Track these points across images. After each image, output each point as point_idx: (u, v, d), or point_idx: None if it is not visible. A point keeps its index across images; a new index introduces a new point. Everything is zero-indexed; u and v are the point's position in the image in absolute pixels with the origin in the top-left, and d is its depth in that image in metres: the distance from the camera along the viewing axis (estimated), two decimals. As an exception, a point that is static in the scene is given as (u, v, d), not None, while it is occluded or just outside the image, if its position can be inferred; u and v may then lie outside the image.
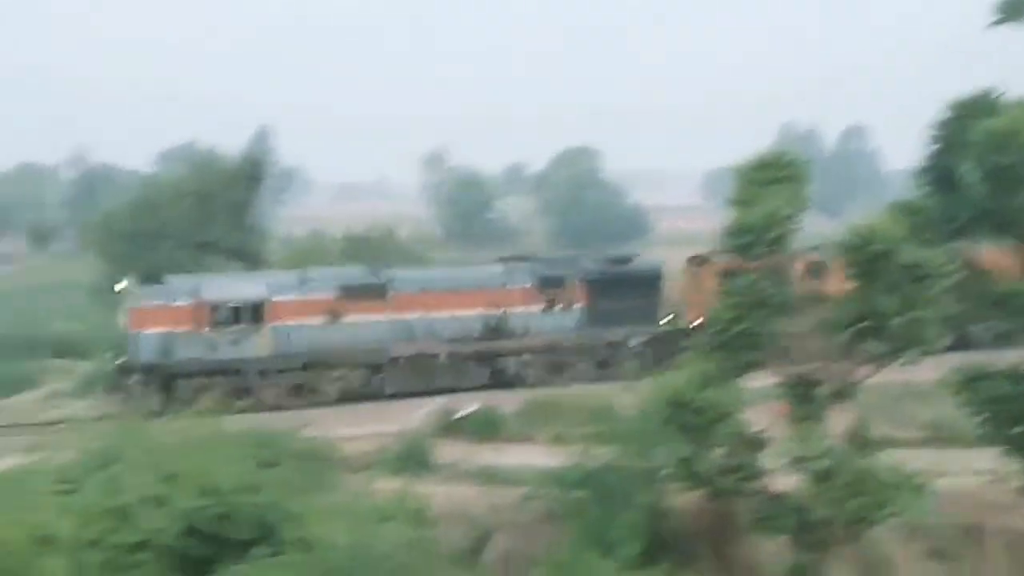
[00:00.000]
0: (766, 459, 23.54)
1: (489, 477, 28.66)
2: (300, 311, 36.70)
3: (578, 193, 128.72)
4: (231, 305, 35.61)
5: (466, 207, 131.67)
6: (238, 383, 35.58)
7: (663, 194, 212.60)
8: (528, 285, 40.35)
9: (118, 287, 37.55)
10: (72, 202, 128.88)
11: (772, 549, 24.34)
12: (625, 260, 43.81)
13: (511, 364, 39.40)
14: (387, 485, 26.10)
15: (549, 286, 40.63)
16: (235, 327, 35.62)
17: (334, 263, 46.39)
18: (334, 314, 37.18)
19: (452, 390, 36.91)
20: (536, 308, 40.27)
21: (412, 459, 29.48)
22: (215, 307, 35.42)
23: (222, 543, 20.30)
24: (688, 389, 22.75)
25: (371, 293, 37.95)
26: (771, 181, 22.74)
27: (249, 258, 49.48)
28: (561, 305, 40.59)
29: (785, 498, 23.09)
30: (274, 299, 36.30)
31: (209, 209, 52.22)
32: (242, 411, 32.91)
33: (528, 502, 26.03)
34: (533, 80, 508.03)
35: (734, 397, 23.24)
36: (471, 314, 39.22)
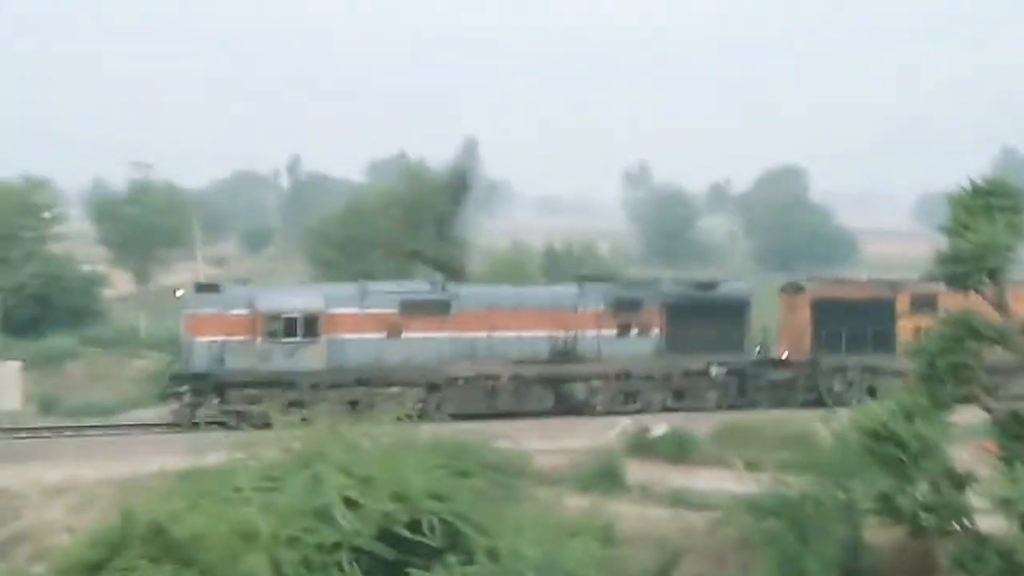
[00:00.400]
0: (971, 498, 22.56)
1: (680, 500, 28.36)
2: (358, 325, 36.13)
3: (783, 214, 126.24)
4: (286, 316, 35.30)
5: (668, 225, 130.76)
6: (291, 396, 34.92)
7: (872, 217, 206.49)
8: (602, 308, 38.97)
9: (177, 293, 37.99)
10: (285, 209, 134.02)
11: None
12: (710, 285, 42.10)
13: (579, 390, 38.13)
14: (576, 502, 26.14)
15: (624, 309, 39.23)
16: (289, 339, 35.27)
17: (534, 278, 46.79)
18: (393, 330, 36.55)
19: (514, 414, 35.97)
20: (609, 332, 38.90)
21: (603, 477, 29.42)
22: (270, 317, 35.16)
23: (413, 549, 20.64)
24: (891, 420, 21.96)
25: (433, 309, 37.21)
26: (989, 208, 21.77)
27: (452, 269, 50.35)
28: (637, 330, 39.16)
29: (990, 540, 22.02)
30: (331, 311, 35.85)
31: (416, 219, 53.42)
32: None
33: (720, 527, 25.62)
34: (738, 97, 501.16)
35: (940, 431, 22.31)
36: (538, 335, 38.03)
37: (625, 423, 35.10)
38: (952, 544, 22.57)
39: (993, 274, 21.13)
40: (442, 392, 36.70)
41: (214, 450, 23.54)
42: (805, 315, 40.96)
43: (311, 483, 21.65)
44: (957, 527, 22.38)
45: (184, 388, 35.10)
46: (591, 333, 38.51)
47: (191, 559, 16.67)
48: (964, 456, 24.16)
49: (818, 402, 38.92)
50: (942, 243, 22.11)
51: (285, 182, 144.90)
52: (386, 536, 20.68)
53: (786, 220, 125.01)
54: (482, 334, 37.39)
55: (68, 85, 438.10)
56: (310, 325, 35.41)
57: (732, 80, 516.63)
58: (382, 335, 36.42)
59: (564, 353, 38.16)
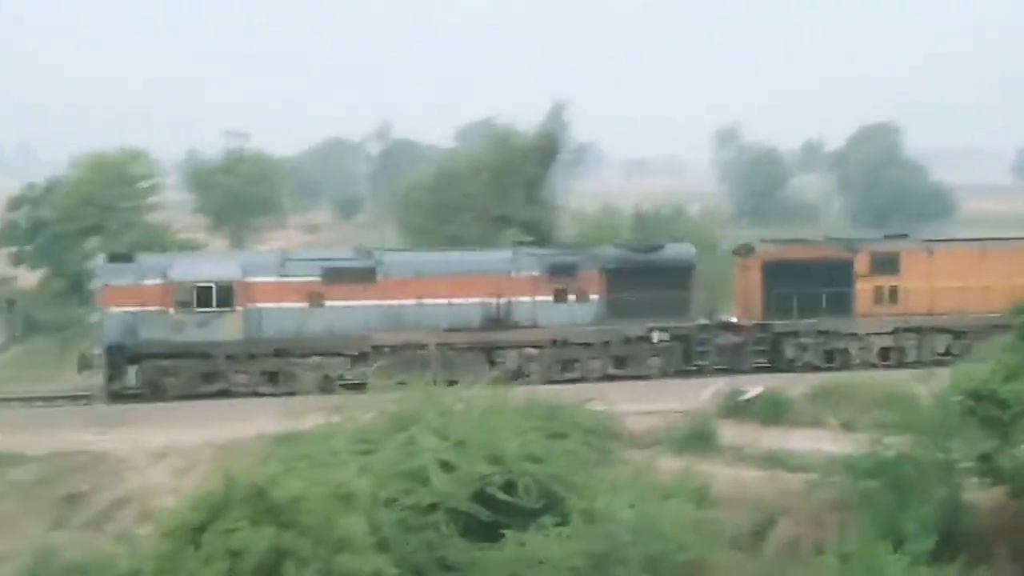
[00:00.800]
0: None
1: (775, 461, 28.18)
2: (277, 294, 34.97)
3: (878, 171, 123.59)
4: (199, 285, 34.23)
5: (759, 184, 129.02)
6: (206, 367, 34.37)
7: (970, 173, 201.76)
8: (537, 273, 37.32)
9: (92, 264, 36.63)
10: (375, 176, 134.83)
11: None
12: (652, 248, 39.77)
13: (513, 358, 36.36)
14: (671, 464, 26.12)
15: (561, 274, 37.52)
16: (203, 309, 34.25)
17: (623, 239, 46.51)
18: (315, 298, 35.39)
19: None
20: (546, 298, 37.22)
21: (697, 439, 29.35)
22: (182, 287, 34.18)
23: (508, 510, 20.85)
24: (992, 380, 21.61)
25: (357, 277, 36.03)
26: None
27: (542, 232, 50.32)
28: (574, 296, 37.41)
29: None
30: (247, 280, 34.84)
31: (505, 183, 53.36)
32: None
33: (816, 488, 25.41)
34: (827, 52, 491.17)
35: (1043, 391, 21.89)
36: (470, 302, 36.51)
37: (718, 384, 34.87)
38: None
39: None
40: (368, 361, 35.37)
41: (311, 414, 23.96)
42: (756, 277, 39.34)
43: (406, 446, 21.99)
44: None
45: (98, 360, 34.32)
46: (526, 299, 37.02)
47: (290, 521, 16.98)
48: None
49: (772, 367, 37.93)
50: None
51: (375, 149, 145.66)
52: (481, 498, 20.95)
53: (880, 177, 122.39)
54: (410, 301, 36.11)
55: (155, 59, 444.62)
56: (224, 294, 34.44)
57: (825, 36, 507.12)
58: (303, 304, 35.29)
59: (497, 320, 36.73)
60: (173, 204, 75.70)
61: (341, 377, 35.01)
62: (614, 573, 19.89)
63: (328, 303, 35.54)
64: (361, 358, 35.55)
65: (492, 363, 35.56)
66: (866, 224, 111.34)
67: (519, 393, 25.30)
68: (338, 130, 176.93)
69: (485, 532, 20.67)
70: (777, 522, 25.65)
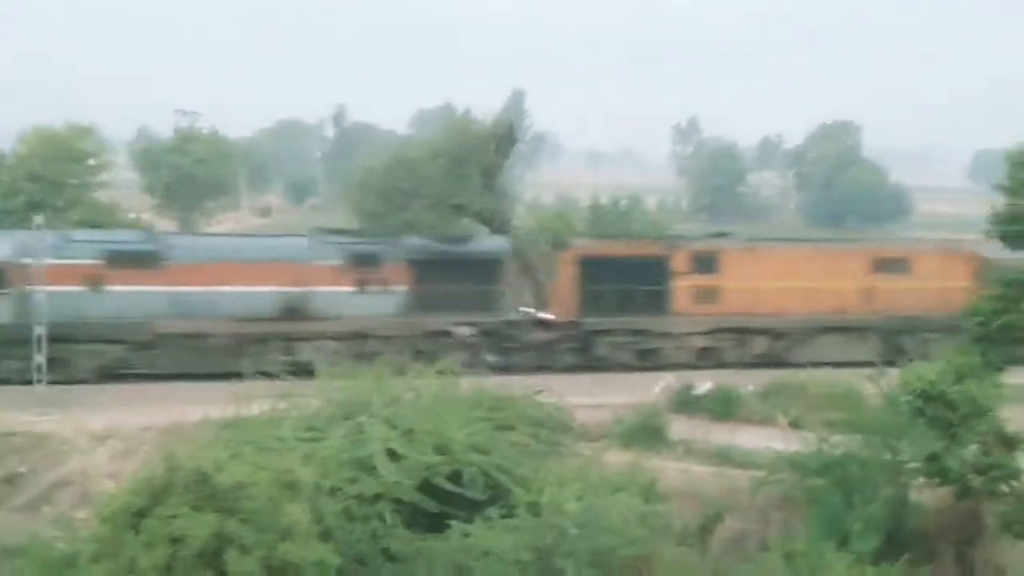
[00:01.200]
0: (1021, 460, 22.25)
1: (723, 457, 28.22)
2: (53, 276, 32.38)
3: (836, 170, 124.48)
4: None
5: (717, 180, 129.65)
6: None
7: (928, 175, 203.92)
8: (338, 262, 36.22)
9: None
10: (330, 158, 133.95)
11: (1020, 554, 23.00)
12: (461, 240, 38.97)
13: (307, 350, 35.05)
14: (619, 457, 26.05)
15: (363, 264, 36.44)
16: None
17: (580, 231, 46.37)
18: (95, 282, 33.72)
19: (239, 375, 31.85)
20: (346, 289, 36.07)
21: (646, 433, 29.31)
22: None
23: (454, 501, 20.66)
24: (942, 381, 21.69)
25: (142, 261, 34.42)
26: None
27: (498, 222, 50.10)
28: (377, 287, 36.37)
29: (1040, 503, 21.75)
30: (20, 261, 32.85)
31: (462, 171, 53.01)
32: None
33: (763, 485, 25.43)
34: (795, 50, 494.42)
35: (991, 393, 21.99)
36: (265, 291, 35.11)
37: (669, 379, 34.84)
38: (1000, 505, 22.33)
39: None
40: (152, 350, 34.28)
41: (257, 399, 23.63)
42: (571, 273, 38.41)
43: (354, 434, 21.73)
44: (1006, 489, 22.13)
45: None
46: (325, 289, 35.81)
47: (234, 507, 16.69)
48: (1015, 417, 23.74)
49: (587, 365, 37.42)
50: (998, 202, 21.66)
51: (330, 132, 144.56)
52: (428, 488, 20.73)
53: (838, 176, 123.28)
54: (199, 288, 34.62)
55: (107, 31, 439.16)
56: None
57: (785, 33, 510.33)
58: (82, 287, 33.57)
59: (294, 310, 35.51)
60: (123, 183, 74.62)
61: (125, 365, 33.84)
62: (560, 566, 19.74)
63: (109, 288, 33.91)
64: (144, 346, 34.25)
65: (289, 355, 33.98)
66: (823, 223, 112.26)
67: (469, 383, 25.09)
68: (294, 112, 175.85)
69: (431, 523, 20.47)
70: (724, 518, 25.67)
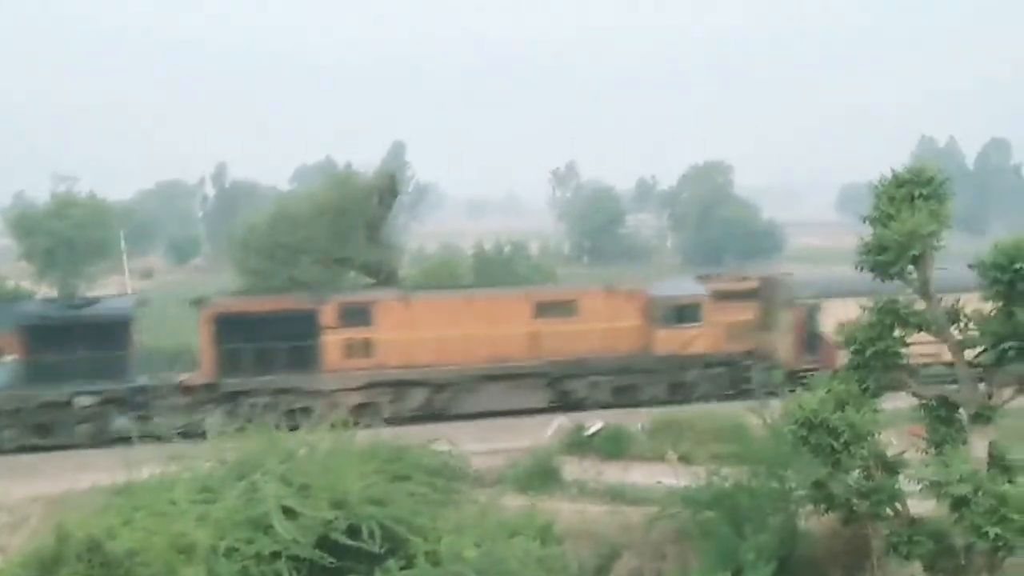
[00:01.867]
0: (903, 483, 22.93)
1: (617, 495, 28.56)
2: None
3: (709, 208, 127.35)
4: None
5: (595, 222, 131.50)
6: None
7: (798, 210, 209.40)
8: None
9: None
10: (212, 217, 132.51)
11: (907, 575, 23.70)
12: (81, 304, 37.56)
13: None
14: (515, 501, 26.21)
15: None
16: None
17: (465, 280, 46.58)
18: None
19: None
20: None
21: (540, 475, 29.54)
22: None
23: (353, 555, 20.55)
24: (823, 409, 22.25)
25: None
26: (911, 197, 22.13)
27: (384, 273, 50.10)
28: None
29: (922, 523, 22.42)
30: None
31: (346, 224, 52.95)
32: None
33: (656, 521, 25.81)
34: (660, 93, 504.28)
35: (870, 418, 22.66)
36: None
37: (561, 420, 35.18)
38: (885, 528, 22.92)
39: (917, 261, 21.42)
40: None
41: (148, 464, 23.23)
42: (207, 332, 36.82)
43: (248, 493, 21.47)
44: (890, 512, 22.72)
45: None
46: None
47: (128, 575, 16.42)
48: (895, 441, 24.54)
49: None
50: (866, 233, 22.42)
51: (211, 190, 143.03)
52: (325, 543, 20.56)
53: (712, 215, 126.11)
54: None
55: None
56: None
57: (659, 79, 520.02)
58: None
59: None
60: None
61: None
62: (461, 614, 19.77)
63: None
64: None
65: None
66: (699, 262, 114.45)
67: (363, 436, 25.03)
68: (173, 173, 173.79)
69: (330, 579, 20.34)
70: (620, 556, 25.96)
